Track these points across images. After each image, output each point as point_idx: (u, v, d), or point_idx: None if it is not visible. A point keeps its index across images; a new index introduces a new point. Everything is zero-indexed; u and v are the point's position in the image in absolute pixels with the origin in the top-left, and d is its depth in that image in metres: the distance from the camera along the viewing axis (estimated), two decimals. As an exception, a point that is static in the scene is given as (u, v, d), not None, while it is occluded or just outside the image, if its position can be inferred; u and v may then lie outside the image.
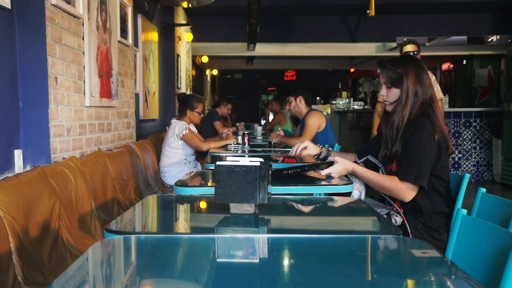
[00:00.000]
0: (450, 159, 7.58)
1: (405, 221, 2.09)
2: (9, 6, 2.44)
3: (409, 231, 2.07)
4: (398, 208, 2.12)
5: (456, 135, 7.61)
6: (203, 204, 1.92)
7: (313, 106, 4.86)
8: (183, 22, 8.04)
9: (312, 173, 2.23)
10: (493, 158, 7.59)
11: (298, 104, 4.47)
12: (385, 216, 2.07)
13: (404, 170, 2.05)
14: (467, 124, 7.61)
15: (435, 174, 2.09)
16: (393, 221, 2.08)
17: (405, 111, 2.12)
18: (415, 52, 4.45)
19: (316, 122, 4.30)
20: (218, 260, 1.26)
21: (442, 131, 2.07)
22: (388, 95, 2.19)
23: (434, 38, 8.60)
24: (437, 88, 4.42)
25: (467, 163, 7.69)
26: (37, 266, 2.09)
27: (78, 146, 3.19)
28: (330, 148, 2.49)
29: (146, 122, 5.58)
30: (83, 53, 3.27)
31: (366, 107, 12.32)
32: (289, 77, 18.03)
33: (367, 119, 10.34)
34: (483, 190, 1.94)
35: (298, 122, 4.78)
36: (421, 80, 2.13)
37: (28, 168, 2.60)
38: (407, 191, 2.04)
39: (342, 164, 2.14)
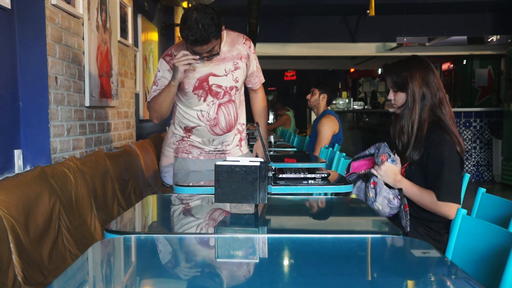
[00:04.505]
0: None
1: (404, 213, 2.07)
2: (9, 6, 2.44)
3: (404, 225, 2.06)
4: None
5: (456, 135, 7.60)
6: (203, 204, 1.91)
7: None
8: (183, 22, 8.03)
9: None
10: (493, 158, 7.59)
11: (319, 101, 4.39)
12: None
13: (444, 193, 2.00)
14: (467, 124, 7.61)
15: None
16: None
17: (414, 116, 2.07)
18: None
19: (330, 130, 4.23)
20: (218, 260, 1.26)
21: (458, 139, 2.04)
22: (395, 99, 2.15)
23: (434, 38, 8.60)
24: None
25: (467, 163, 7.68)
26: (37, 266, 2.09)
27: (78, 146, 3.19)
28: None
29: (146, 122, 5.58)
30: (83, 53, 3.27)
31: (366, 107, 12.32)
32: (289, 77, 18.01)
33: (367, 119, 10.34)
34: (483, 190, 1.94)
35: (301, 124, 4.75)
36: (428, 82, 2.07)
37: (28, 168, 2.60)
38: (450, 209, 1.99)
39: (394, 168, 2.09)
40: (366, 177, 2.19)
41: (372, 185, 2.12)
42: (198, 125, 2.65)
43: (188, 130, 2.69)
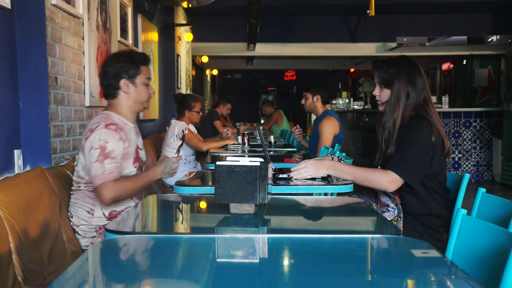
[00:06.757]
0: (450, 159, 7.58)
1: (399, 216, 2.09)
2: (9, 6, 2.44)
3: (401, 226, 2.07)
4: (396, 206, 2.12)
5: (456, 135, 7.61)
6: (203, 204, 1.92)
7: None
8: (183, 22, 8.04)
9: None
10: (493, 158, 7.59)
11: (315, 103, 4.25)
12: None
13: (394, 163, 2.01)
14: (467, 124, 7.61)
15: (430, 177, 2.07)
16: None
17: (396, 113, 2.10)
18: None
19: (331, 131, 4.15)
20: (218, 260, 1.26)
21: (439, 132, 2.05)
22: (380, 95, 2.20)
23: (434, 38, 8.60)
24: None
25: (467, 163, 7.69)
26: (37, 266, 2.09)
27: (78, 146, 3.18)
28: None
29: (146, 122, 5.58)
30: (83, 53, 3.27)
31: (366, 107, 12.32)
32: (289, 77, 18.02)
33: (367, 119, 10.33)
34: (483, 190, 1.94)
35: (301, 124, 4.71)
36: (414, 82, 2.11)
37: (28, 168, 2.60)
38: (392, 181, 1.98)
39: (318, 160, 2.12)
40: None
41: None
42: (128, 207, 2.43)
43: (112, 215, 2.43)
